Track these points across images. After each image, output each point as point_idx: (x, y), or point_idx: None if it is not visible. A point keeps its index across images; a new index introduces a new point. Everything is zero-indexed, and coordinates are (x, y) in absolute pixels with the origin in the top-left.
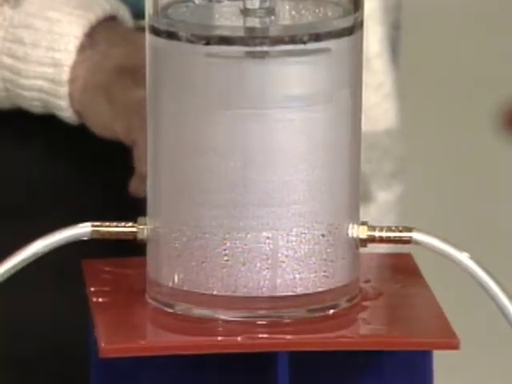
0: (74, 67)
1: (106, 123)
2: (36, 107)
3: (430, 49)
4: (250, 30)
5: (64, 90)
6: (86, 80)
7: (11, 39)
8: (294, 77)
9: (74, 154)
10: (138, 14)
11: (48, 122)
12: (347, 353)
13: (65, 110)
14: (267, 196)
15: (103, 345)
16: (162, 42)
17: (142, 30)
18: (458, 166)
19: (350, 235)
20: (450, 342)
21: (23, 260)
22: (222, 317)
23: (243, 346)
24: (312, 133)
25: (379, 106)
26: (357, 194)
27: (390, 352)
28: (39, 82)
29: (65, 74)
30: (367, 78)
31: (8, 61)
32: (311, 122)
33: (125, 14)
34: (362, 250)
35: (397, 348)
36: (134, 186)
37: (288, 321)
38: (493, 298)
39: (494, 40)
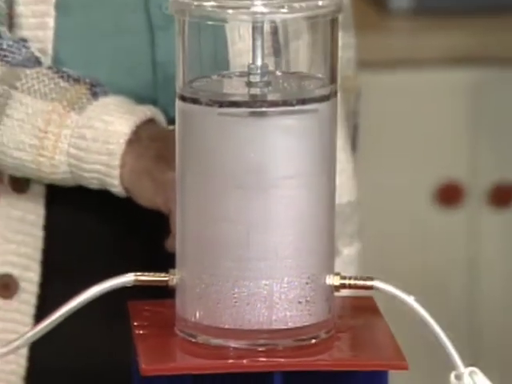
0: (124, 155)
1: (149, 197)
2: (94, 184)
3: (382, 145)
4: (253, 96)
5: (116, 172)
6: (133, 165)
7: (76, 136)
8: (287, 133)
9: (124, 221)
10: (169, 120)
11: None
12: (326, 372)
13: (116, 186)
14: (265, 253)
15: (143, 366)
16: (188, 106)
17: (172, 130)
18: (402, 230)
19: (327, 283)
20: (401, 364)
21: (84, 300)
22: (232, 345)
23: (247, 366)
24: (299, 206)
25: (342, 185)
26: (332, 252)
27: (357, 371)
28: (97, 167)
29: (117, 161)
30: None
31: (73, 151)
32: (298, 198)
33: (160, 117)
34: (336, 294)
35: (362, 368)
36: (169, 244)
37: (281, 348)
38: (430, 329)
39: (430, 134)
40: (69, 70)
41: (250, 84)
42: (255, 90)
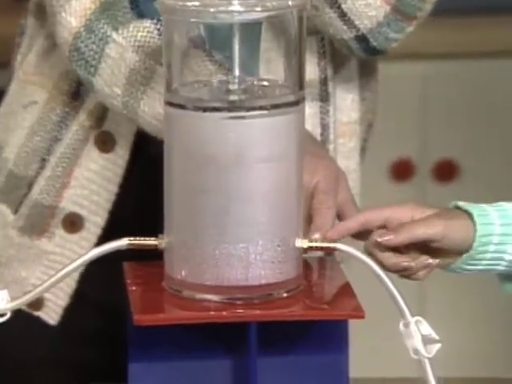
0: None
1: None
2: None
3: None
4: (232, 102)
5: None
6: None
7: None
8: (262, 133)
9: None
10: None
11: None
12: (295, 322)
13: None
14: (242, 221)
15: (136, 317)
16: (174, 111)
17: None
18: (363, 201)
19: (297, 245)
20: (359, 314)
21: (88, 258)
22: (214, 299)
23: (227, 317)
24: (272, 181)
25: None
26: (301, 220)
27: (322, 320)
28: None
29: None
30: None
31: None
32: (272, 175)
33: None
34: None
35: (326, 318)
36: None
37: (256, 301)
38: (383, 284)
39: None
40: (217, 54)
41: (229, 92)
42: (234, 97)
